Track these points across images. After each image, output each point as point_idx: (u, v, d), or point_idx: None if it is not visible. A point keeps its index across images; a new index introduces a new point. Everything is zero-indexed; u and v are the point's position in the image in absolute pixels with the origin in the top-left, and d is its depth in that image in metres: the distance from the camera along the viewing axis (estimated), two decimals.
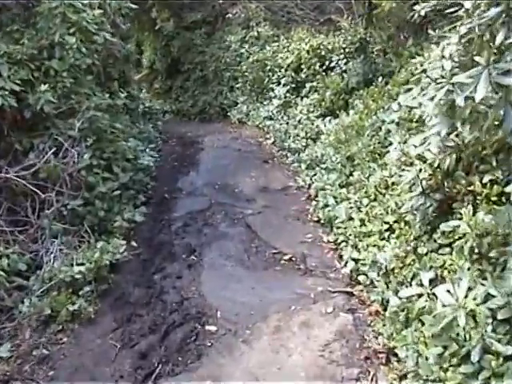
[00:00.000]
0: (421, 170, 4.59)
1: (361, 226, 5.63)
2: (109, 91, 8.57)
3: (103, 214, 6.52)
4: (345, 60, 10.09)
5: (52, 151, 6.33)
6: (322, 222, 6.62)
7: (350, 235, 5.66)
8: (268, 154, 10.02)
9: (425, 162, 4.62)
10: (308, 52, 11.08)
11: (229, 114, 13.91)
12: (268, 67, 12.16)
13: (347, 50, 10.20)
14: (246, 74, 13.07)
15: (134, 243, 6.55)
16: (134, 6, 9.79)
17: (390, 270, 4.76)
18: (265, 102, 12.07)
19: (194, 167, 9.62)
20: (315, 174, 7.65)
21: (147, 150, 9.08)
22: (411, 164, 5.08)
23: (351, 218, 5.86)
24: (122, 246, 6.04)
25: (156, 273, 5.96)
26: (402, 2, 7.32)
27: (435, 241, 4.39)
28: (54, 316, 4.96)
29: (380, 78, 7.92)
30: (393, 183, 5.61)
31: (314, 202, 7.04)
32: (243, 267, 5.93)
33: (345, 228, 5.90)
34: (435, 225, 4.46)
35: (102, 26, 8.23)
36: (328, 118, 9.15)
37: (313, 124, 9.44)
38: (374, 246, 5.26)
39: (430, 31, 5.35)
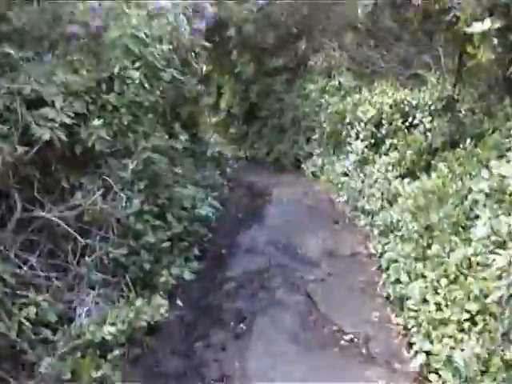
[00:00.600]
0: None
1: (436, 311, 4.82)
2: (172, 132, 8.18)
3: (149, 266, 5.95)
4: (429, 118, 9.29)
5: (100, 192, 5.85)
6: (391, 299, 5.82)
7: (423, 321, 4.84)
8: (339, 214, 9.31)
9: None
10: (390, 107, 10.35)
11: (303, 165, 13.32)
12: (347, 120, 11.49)
13: (432, 107, 9.41)
14: (324, 125, 12.45)
15: (179, 302, 5.98)
16: (207, 45, 9.42)
17: (469, 374, 3.94)
18: (341, 157, 11.38)
19: (258, 221, 9.00)
20: (388, 242, 6.86)
21: (209, 198, 8.50)
22: (503, 244, 4.31)
23: (426, 300, 5.04)
24: (163, 307, 5.46)
25: (198, 340, 5.33)
26: (500, 55, 6.50)
27: None
28: (74, 380, 4.32)
29: (468, 140, 7.09)
30: (478, 263, 4.81)
31: (384, 275, 6.25)
32: (297, 344, 5.20)
33: (417, 311, 5.08)
34: None
35: (171, 62, 7.89)
36: (407, 180, 8.35)
37: (390, 185, 8.65)
38: (451, 337, 4.45)
39: None
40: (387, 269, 6.26)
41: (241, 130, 17.32)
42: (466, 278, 4.84)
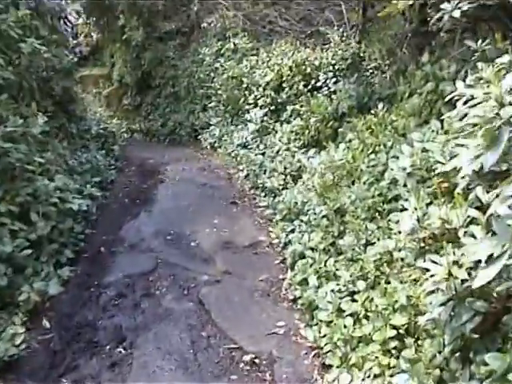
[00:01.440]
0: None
1: (354, 324, 3.82)
2: (45, 111, 6.86)
3: (6, 281, 4.70)
4: (334, 79, 8.31)
5: None
6: (299, 303, 4.77)
7: (339, 339, 3.81)
8: (238, 192, 8.23)
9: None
10: (291, 68, 9.31)
11: (200, 137, 12.14)
12: (244, 85, 10.37)
13: (337, 66, 8.42)
14: (220, 92, 11.28)
15: (45, 323, 4.77)
16: (79, 8, 8.09)
17: None
18: (239, 126, 10.28)
19: (147, 207, 7.81)
20: (293, 230, 5.82)
21: (87, 186, 7.23)
22: (435, 243, 3.34)
23: (340, 310, 4.03)
24: (19, 336, 4.28)
25: (65, 374, 4.13)
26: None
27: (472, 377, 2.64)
28: None
29: (380, 105, 6.10)
30: (402, 260, 3.84)
31: (289, 273, 5.19)
32: (186, 373, 4.09)
33: (330, 324, 4.07)
34: (474, 351, 2.72)
35: (32, 31, 6.54)
36: (312, 151, 7.38)
37: (294, 157, 7.65)
38: (376, 361, 3.46)
39: (468, 42, 3.58)
40: (293, 265, 5.20)
41: (134, 100, 15.94)
42: (388, 281, 3.86)
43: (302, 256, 5.13)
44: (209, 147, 11.45)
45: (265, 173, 8.07)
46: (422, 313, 3.31)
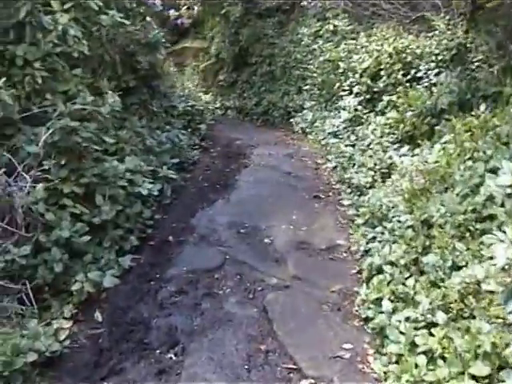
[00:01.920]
0: None
1: (428, 365, 3.33)
2: (127, 87, 6.71)
3: (61, 268, 4.52)
4: (436, 70, 7.69)
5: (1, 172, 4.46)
6: (370, 325, 4.30)
7: (408, 381, 3.32)
8: (323, 185, 7.76)
9: None
10: (390, 55, 8.71)
11: (292, 120, 11.70)
12: (341, 70, 9.83)
13: (440, 57, 7.77)
14: (316, 74, 10.78)
15: (98, 316, 4.54)
16: None
17: None
18: (332, 113, 9.78)
19: (226, 194, 7.47)
20: (374, 238, 5.32)
21: (164, 167, 7.00)
22: None
23: (414, 344, 3.54)
24: (63, 332, 4.08)
25: (109, 376, 3.87)
26: None
27: None
28: None
29: (482, 106, 5.48)
30: (492, 293, 3.32)
31: (364, 287, 4.72)
32: None
33: (401, 359, 3.58)
34: None
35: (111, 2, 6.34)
36: (405, 148, 6.85)
37: (385, 152, 7.14)
38: None
39: None
40: (369, 280, 4.73)
41: (230, 77, 15.65)
42: (472, 317, 3.35)
43: (380, 270, 4.65)
44: (300, 132, 11.02)
45: (353, 166, 7.58)
46: (508, 364, 2.82)
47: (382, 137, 7.58)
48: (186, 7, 18.67)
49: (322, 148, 9.32)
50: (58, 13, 5.41)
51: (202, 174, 8.38)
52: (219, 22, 15.96)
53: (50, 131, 4.84)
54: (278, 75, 13.15)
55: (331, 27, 11.28)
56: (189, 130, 9.65)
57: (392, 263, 4.59)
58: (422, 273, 4.27)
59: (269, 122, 13.06)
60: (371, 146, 7.56)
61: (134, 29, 7.46)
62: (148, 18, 7.91)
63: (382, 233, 5.24)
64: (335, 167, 8.20)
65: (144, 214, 6.00)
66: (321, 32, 11.61)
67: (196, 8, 18.17)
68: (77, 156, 5.23)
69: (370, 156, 7.30)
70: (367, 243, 5.35)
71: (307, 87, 11.40)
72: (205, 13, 16.90)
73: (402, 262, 4.48)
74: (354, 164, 7.59)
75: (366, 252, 5.29)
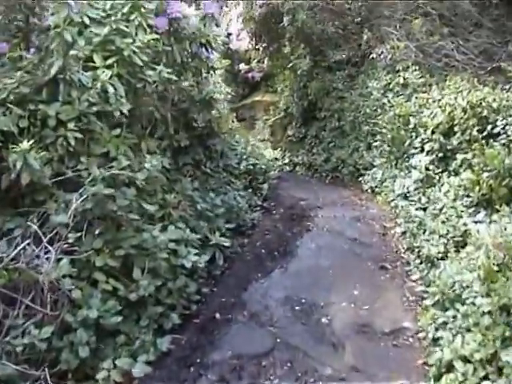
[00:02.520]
0: None
1: None
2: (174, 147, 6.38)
3: (87, 352, 4.11)
4: None
5: (26, 242, 4.13)
6: None
7: None
8: (391, 253, 7.13)
9: None
10: (464, 110, 8.04)
11: (362, 178, 11.12)
12: (411, 125, 9.21)
13: None
14: (385, 130, 10.20)
15: None
16: (223, 39, 7.53)
17: None
18: (403, 172, 9.13)
19: (284, 262, 6.93)
20: (445, 324, 4.64)
21: (217, 233, 6.56)
22: None
23: None
24: None
25: None
26: None
27: None
28: None
29: None
30: None
31: None
32: None
33: None
34: None
35: (160, 55, 6.07)
36: (482, 214, 6.17)
37: (459, 218, 6.46)
38: None
39: None
40: (437, 378, 4.05)
41: (299, 132, 15.24)
42: None
43: (451, 368, 3.97)
44: (369, 191, 10.41)
45: (424, 233, 6.91)
46: None
47: (455, 200, 6.90)
48: (256, 60, 18.58)
49: (391, 210, 8.69)
50: (100, 69, 5.15)
51: (260, 238, 7.88)
52: (288, 76, 15.71)
53: (82, 198, 4.48)
54: (347, 130, 12.64)
55: (401, 80, 10.70)
56: (250, 190, 9.21)
57: (465, 358, 3.91)
58: (500, 373, 3.59)
59: (338, 179, 12.52)
60: (444, 210, 6.87)
61: (189, 84, 7.16)
62: (204, 72, 7.57)
63: (454, 317, 4.57)
64: (404, 233, 7.54)
65: (189, 287, 5.51)
66: (391, 85, 11.04)
67: (266, 61, 17.99)
68: (113, 225, 4.86)
69: (443, 222, 6.64)
70: (436, 329, 4.67)
71: (377, 143, 10.80)
72: (274, 66, 16.65)
73: (477, 356, 3.80)
74: (425, 230, 6.92)
75: (435, 341, 4.60)
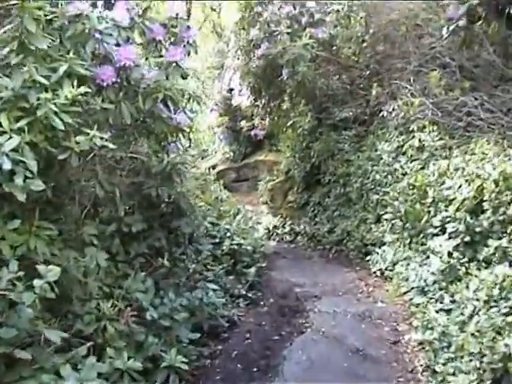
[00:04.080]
0: None
1: None
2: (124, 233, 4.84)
3: None
4: None
5: None
6: None
7: None
8: (403, 374, 5.33)
9: None
10: (496, 182, 6.37)
11: (369, 257, 9.39)
12: (429, 199, 7.53)
13: None
14: (398, 202, 8.51)
15: None
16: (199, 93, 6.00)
17: None
18: (418, 256, 7.42)
19: None
20: None
21: (172, 350, 4.86)
22: None
23: None
24: None
25: None
26: None
27: None
28: None
29: None
30: None
31: None
32: None
33: None
34: None
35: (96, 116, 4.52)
36: None
37: (498, 334, 4.72)
38: None
39: None
40: None
41: (301, 198, 13.66)
42: None
43: None
44: (378, 274, 8.69)
45: (448, 348, 5.17)
46: None
47: (488, 303, 5.18)
48: (259, 117, 17.17)
49: (404, 306, 6.98)
50: (7, 134, 3.57)
51: (238, 344, 6.16)
52: (290, 135, 14.17)
53: None
54: (353, 199, 10.98)
55: (416, 142, 9.03)
56: (232, 276, 7.55)
57: None
58: None
59: (343, 253, 10.84)
60: (475, 319, 5.13)
61: (145, 152, 5.57)
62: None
63: None
64: (421, 344, 5.77)
65: None
66: (404, 148, 9.39)
67: (268, 119, 16.55)
68: None
69: (473, 335, 4.90)
70: None
71: (387, 216, 9.06)
72: (273, 124, 15.12)
73: None
74: (450, 344, 5.19)
75: None
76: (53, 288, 3.46)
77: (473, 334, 4.96)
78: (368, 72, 11.76)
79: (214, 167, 18.50)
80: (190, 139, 7.38)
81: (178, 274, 6.07)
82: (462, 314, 5.44)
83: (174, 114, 5.44)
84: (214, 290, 6.41)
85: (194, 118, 6.58)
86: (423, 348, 5.71)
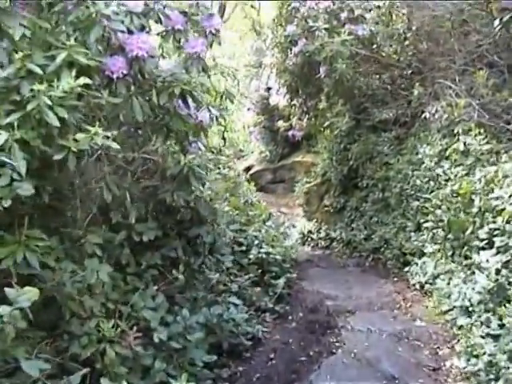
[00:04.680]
0: None
1: None
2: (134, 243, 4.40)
3: None
4: None
5: None
6: None
7: None
8: None
9: None
10: None
11: (408, 268, 8.74)
12: (475, 208, 6.88)
13: None
14: (440, 211, 7.87)
15: None
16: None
17: None
18: (462, 270, 6.79)
19: None
20: None
21: (183, 375, 4.27)
22: None
23: None
24: None
25: None
26: None
27: None
28: None
29: None
30: None
31: None
32: None
33: None
34: None
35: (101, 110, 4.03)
36: None
37: None
38: None
39: None
40: None
41: (337, 202, 13.01)
42: None
43: None
44: (417, 287, 8.05)
45: (496, 381, 4.55)
46: None
47: None
48: (296, 117, 16.64)
49: (445, 326, 6.35)
50: None
51: (261, 366, 5.64)
52: (327, 136, 13.56)
53: None
54: (392, 204, 10.32)
55: (461, 146, 8.34)
56: (259, 288, 7.01)
57: None
58: None
59: (380, 262, 10.19)
60: None
61: (160, 153, 5.08)
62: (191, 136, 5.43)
63: None
64: (465, 372, 5.15)
65: None
66: (447, 152, 8.70)
67: (306, 119, 15.98)
68: None
69: None
70: None
71: (428, 225, 8.42)
72: (311, 125, 14.55)
73: None
74: (498, 377, 4.56)
75: None
76: (26, 315, 2.98)
77: None
78: (410, 71, 11.08)
79: (249, 168, 18.13)
80: (224, 138, 6.99)
81: (195, 288, 5.55)
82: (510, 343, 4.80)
83: (198, 111, 4.92)
84: (236, 305, 5.88)
85: (228, 115, 6.10)
86: (467, 378, 5.08)
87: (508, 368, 4.53)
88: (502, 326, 5.19)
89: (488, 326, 5.36)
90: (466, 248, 6.99)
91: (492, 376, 4.68)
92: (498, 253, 5.95)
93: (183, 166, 4.98)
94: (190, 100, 4.91)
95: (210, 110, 5.35)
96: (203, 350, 5.02)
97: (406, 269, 8.77)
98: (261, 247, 7.61)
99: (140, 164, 4.95)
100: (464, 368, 5.23)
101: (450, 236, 7.51)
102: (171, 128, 5.04)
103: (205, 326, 5.22)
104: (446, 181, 8.22)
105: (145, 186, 5.07)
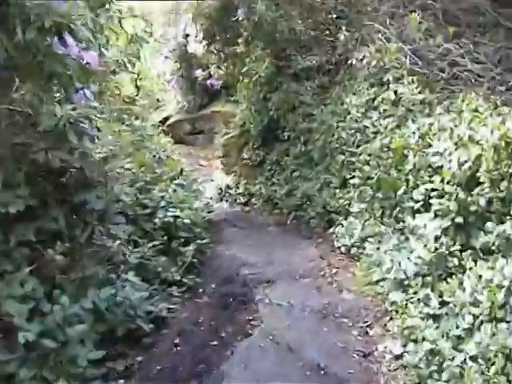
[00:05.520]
0: None
1: None
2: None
3: None
4: None
5: None
6: None
7: None
8: None
9: None
10: (495, 148, 4.98)
11: (333, 229, 8.01)
12: (409, 165, 6.13)
13: None
14: (368, 167, 7.13)
15: None
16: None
17: None
18: (395, 236, 6.08)
19: None
20: None
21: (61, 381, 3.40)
22: None
23: None
24: None
25: None
26: None
27: None
28: None
29: None
30: None
31: None
32: None
33: None
34: None
35: None
36: None
37: (508, 361, 3.41)
38: None
39: None
40: None
41: (256, 155, 12.10)
42: None
43: None
44: (343, 251, 7.31)
45: (439, 373, 3.85)
46: None
47: (492, 311, 3.86)
48: (215, 65, 15.59)
49: (376, 298, 5.63)
50: None
51: (164, 354, 4.77)
52: (246, 85, 12.57)
53: None
54: (315, 158, 9.54)
55: (391, 95, 7.59)
56: (165, 257, 6.10)
57: None
58: None
59: (303, 220, 9.39)
60: (477, 335, 3.81)
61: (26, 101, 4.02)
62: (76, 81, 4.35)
63: None
64: (401, 355, 4.46)
65: None
66: (376, 102, 7.94)
67: (224, 67, 14.96)
68: None
69: (476, 360, 3.58)
70: None
71: (355, 181, 7.67)
72: (229, 73, 13.54)
73: None
74: (442, 362, 3.86)
75: None
76: None
77: (474, 358, 3.64)
78: (335, 15, 10.25)
79: (167, 119, 17.18)
80: (137, 87, 6.53)
81: (82, 265, 4.55)
82: (456, 325, 4.10)
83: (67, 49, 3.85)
84: (133, 282, 4.95)
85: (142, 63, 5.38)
86: (404, 367, 4.38)
87: (453, 358, 3.82)
88: (443, 305, 4.49)
89: (427, 305, 4.65)
90: (397, 209, 6.28)
91: (434, 367, 3.96)
92: (436, 217, 5.23)
93: (59, 119, 3.93)
94: (68, 37, 3.86)
95: (100, 50, 4.33)
96: (91, 343, 4.09)
97: (331, 230, 8.04)
98: (167, 210, 6.68)
99: (5, 116, 3.87)
100: (400, 354, 4.53)
101: (379, 195, 6.79)
102: (53, 72, 3.98)
103: (93, 311, 4.26)
104: (375, 133, 7.48)
105: (14, 143, 4.00)
